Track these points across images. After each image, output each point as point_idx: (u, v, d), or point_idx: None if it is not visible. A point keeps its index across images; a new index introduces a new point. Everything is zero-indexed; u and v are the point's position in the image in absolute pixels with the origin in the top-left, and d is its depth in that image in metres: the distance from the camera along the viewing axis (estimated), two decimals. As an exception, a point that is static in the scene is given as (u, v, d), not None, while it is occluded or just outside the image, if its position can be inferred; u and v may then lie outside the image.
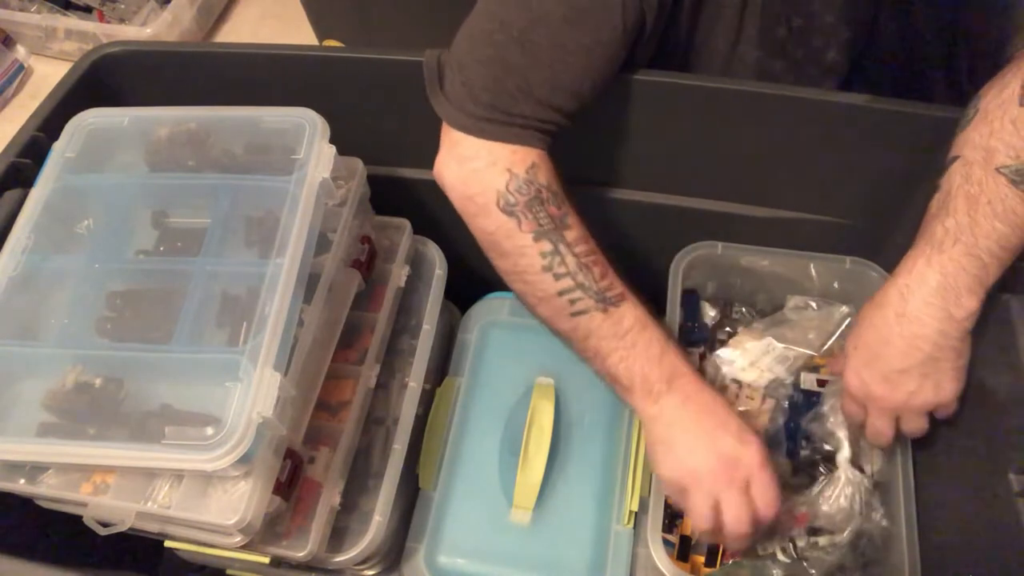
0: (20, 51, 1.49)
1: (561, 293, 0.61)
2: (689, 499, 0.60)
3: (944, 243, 0.56)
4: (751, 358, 0.77)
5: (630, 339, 0.62)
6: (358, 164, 0.73)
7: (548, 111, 0.61)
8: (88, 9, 1.45)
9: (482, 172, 0.60)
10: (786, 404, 0.75)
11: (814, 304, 0.80)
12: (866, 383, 0.62)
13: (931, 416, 0.63)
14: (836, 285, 0.80)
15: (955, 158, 0.58)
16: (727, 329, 0.82)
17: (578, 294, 0.61)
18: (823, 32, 0.69)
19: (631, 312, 0.62)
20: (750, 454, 0.60)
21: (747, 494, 0.59)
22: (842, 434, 0.69)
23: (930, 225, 0.58)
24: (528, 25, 0.59)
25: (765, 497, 0.60)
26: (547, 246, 0.60)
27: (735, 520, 0.59)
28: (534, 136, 0.61)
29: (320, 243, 0.65)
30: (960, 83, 0.71)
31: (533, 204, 0.60)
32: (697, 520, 0.61)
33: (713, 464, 0.59)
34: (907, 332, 0.58)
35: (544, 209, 0.60)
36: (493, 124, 0.60)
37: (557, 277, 0.61)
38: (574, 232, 0.61)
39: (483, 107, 0.60)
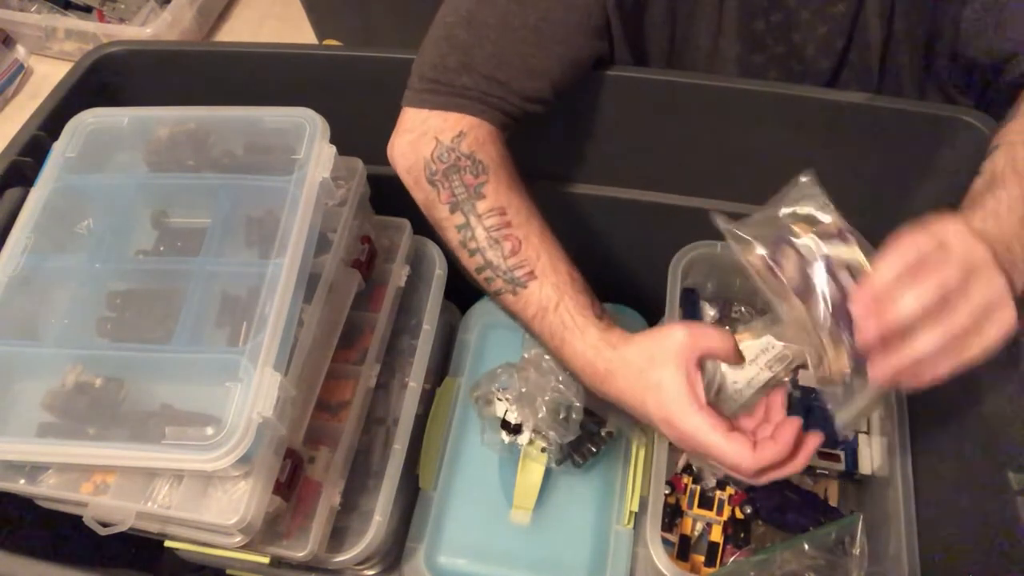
0: (20, 51, 1.49)
1: (478, 271, 0.58)
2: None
3: (999, 211, 0.52)
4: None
5: (536, 327, 0.57)
6: (358, 164, 0.73)
7: (494, 85, 0.60)
8: (88, 9, 1.45)
9: (416, 143, 0.60)
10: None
11: (813, 303, 0.80)
12: None
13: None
14: (836, 284, 0.80)
15: (996, 147, 0.56)
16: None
17: (488, 273, 0.57)
18: (800, 28, 0.67)
19: (534, 297, 0.56)
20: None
21: None
22: None
23: (977, 200, 0.54)
24: (475, 5, 0.60)
25: None
26: (460, 219, 0.58)
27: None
28: (473, 105, 0.60)
29: (320, 243, 0.65)
30: (944, 88, 0.70)
31: (450, 172, 0.58)
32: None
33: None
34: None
35: (460, 177, 0.58)
36: (432, 94, 0.60)
37: (471, 253, 0.58)
38: (487, 202, 0.57)
39: (426, 81, 0.60)
